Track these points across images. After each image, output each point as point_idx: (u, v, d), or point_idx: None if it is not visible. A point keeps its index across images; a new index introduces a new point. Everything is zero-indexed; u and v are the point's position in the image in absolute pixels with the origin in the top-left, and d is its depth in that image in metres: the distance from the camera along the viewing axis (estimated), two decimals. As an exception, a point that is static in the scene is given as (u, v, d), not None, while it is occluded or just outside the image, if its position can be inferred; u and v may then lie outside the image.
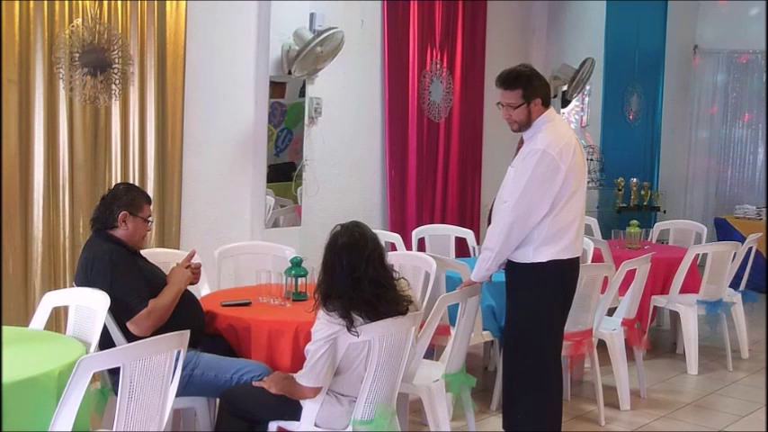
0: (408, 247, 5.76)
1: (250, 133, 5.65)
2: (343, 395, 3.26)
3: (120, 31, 4.77)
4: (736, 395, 5.35)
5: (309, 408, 3.25)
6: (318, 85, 5.99)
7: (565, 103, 8.20)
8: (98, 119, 4.73)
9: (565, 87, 8.05)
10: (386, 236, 5.46)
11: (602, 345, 4.86)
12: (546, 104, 3.86)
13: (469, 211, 7.40)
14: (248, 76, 5.62)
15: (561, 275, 3.87)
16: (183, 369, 3.16)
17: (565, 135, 3.83)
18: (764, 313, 7.09)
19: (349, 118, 6.38)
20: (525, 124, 3.84)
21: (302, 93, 5.84)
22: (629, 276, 4.93)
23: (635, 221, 6.32)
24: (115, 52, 4.76)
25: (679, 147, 10.19)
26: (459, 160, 7.26)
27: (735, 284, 6.11)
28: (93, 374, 2.60)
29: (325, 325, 3.15)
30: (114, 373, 2.78)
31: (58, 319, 4.23)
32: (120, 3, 4.75)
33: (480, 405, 4.58)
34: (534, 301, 3.84)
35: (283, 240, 5.23)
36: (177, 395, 2.97)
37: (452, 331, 4.02)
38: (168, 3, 4.99)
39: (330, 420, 3.24)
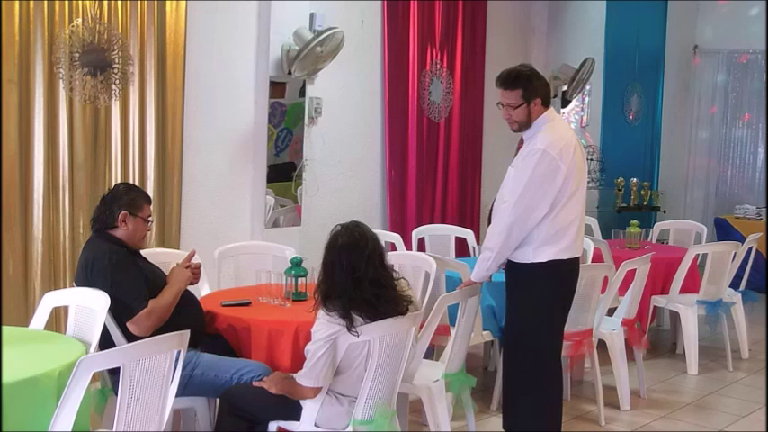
0: (408, 247, 5.76)
1: (250, 133, 5.65)
2: (343, 395, 3.26)
3: (120, 31, 4.77)
4: (736, 395, 5.35)
5: (309, 408, 3.25)
6: (318, 85, 5.99)
7: (565, 103, 8.19)
8: (98, 119, 4.73)
9: (565, 87, 8.04)
10: (386, 236, 5.46)
11: (602, 345, 4.86)
12: (546, 104, 3.86)
13: (469, 211, 7.41)
14: (248, 76, 5.63)
15: (561, 275, 3.87)
16: (183, 369, 3.16)
17: (565, 135, 3.83)
18: (764, 313, 7.10)
19: (349, 118, 6.38)
20: (525, 124, 3.84)
21: (302, 93, 5.84)
22: (629, 276, 4.93)
23: (635, 221, 6.32)
24: (115, 52, 4.76)
25: (679, 147, 10.19)
26: (460, 160, 7.26)
27: (735, 284, 6.11)
28: (93, 374, 2.60)
29: (325, 325, 3.15)
30: (114, 373, 2.78)
31: (58, 319, 4.24)
32: (120, 3, 4.75)
33: (480, 405, 4.58)
34: (534, 301, 3.84)
35: (283, 240, 5.23)
36: (177, 395, 2.97)
37: (452, 331, 4.01)
38: (168, 3, 4.99)
39: (330, 420, 3.24)
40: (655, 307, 5.98)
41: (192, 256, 3.82)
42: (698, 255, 5.89)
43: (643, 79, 9.47)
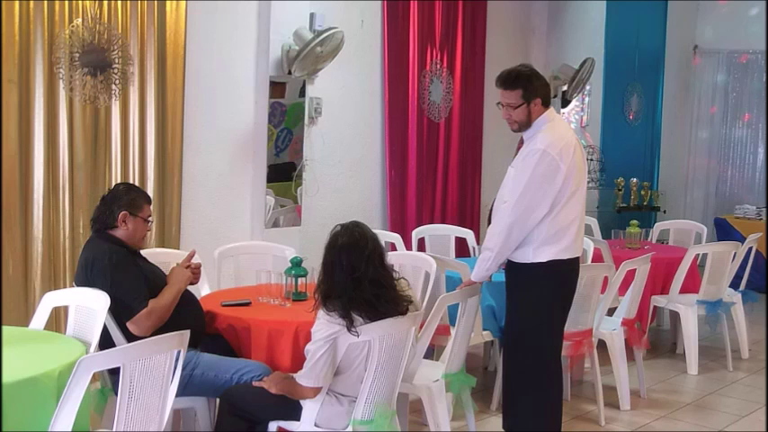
0: (408, 247, 5.76)
1: (250, 133, 5.65)
2: (343, 395, 3.26)
3: (120, 31, 4.77)
4: (736, 395, 5.35)
5: (309, 408, 3.25)
6: (318, 85, 5.99)
7: (565, 103, 8.19)
8: (98, 119, 4.73)
9: (565, 87, 8.04)
10: (386, 236, 5.46)
11: (602, 345, 4.86)
12: (546, 104, 3.86)
13: (469, 211, 7.41)
14: (248, 76, 5.63)
15: (561, 275, 3.87)
16: (183, 369, 3.16)
17: (565, 135, 3.83)
18: (764, 313, 7.10)
19: (349, 118, 6.38)
20: (525, 124, 3.84)
21: (302, 93, 5.84)
22: (629, 276, 4.93)
23: (635, 221, 6.32)
24: (115, 52, 4.76)
25: (679, 147, 10.19)
26: (460, 160, 7.26)
27: (735, 284, 6.11)
28: (93, 374, 2.60)
29: (325, 325, 3.15)
30: (114, 373, 2.78)
31: (58, 319, 4.24)
32: (120, 3, 4.75)
33: (480, 405, 4.58)
34: (534, 301, 3.84)
35: (283, 240, 5.23)
36: (177, 395, 2.97)
37: (452, 331, 4.01)
38: (168, 3, 4.99)
39: (330, 420, 3.24)
40: (655, 307, 5.98)
41: (191, 256, 3.82)
42: (698, 255, 5.89)
43: (643, 79, 9.46)
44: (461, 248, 6.14)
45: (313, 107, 5.97)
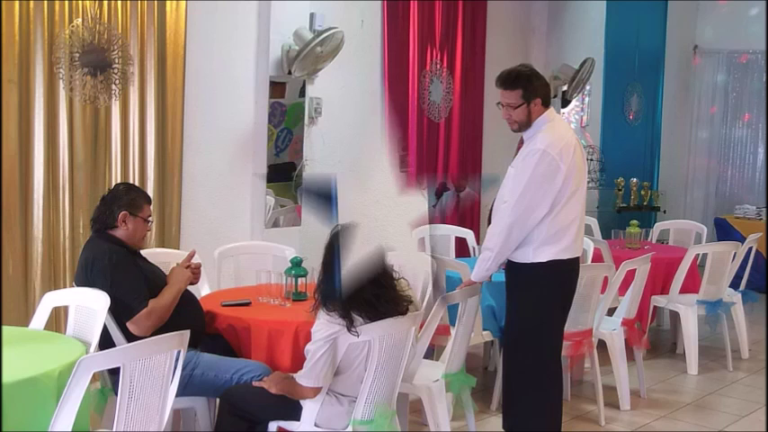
0: (408, 247, 5.75)
1: (250, 133, 5.65)
2: (343, 395, 3.26)
3: (120, 31, 4.77)
4: (736, 395, 5.35)
5: (309, 408, 3.25)
6: (318, 85, 5.99)
7: (565, 103, 8.19)
8: (98, 119, 4.73)
9: (565, 87, 8.04)
10: (386, 236, 5.45)
11: (602, 345, 4.86)
12: (546, 104, 3.86)
13: (469, 211, 7.41)
14: (248, 76, 5.63)
15: (561, 275, 3.87)
16: (183, 369, 3.16)
17: (565, 135, 3.83)
18: (764, 313, 7.10)
19: (349, 118, 6.38)
20: (525, 124, 3.84)
21: (302, 93, 5.84)
22: (629, 276, 4.93)
23: (635, 221, 6.32)
24: (115, 52, 4.76)
25: (679, 147, 10.19)
26: (460, 160, 7.26)
27: (735, 284, 6.10)
28: (93, 374, 2.60)
29: (325, 325, 3.15)
30: (114, 373, 2.78)
31: (58, 319, 4.23)
32: (120, 3, 4.75)
33: (480, 405, 4.58)
34: (534, 301, 3.84)
35: (283, 240, 5.23)
36: (177, 395, 2.97)
37: (452, 331, 4.01)
38: (168, 3, 4.99)
39: (330, 420, 3.24)
40: (655, 307, 5.97)
41: (191, 256, 3.82)
42: (698, 255, 5.89)
43: (643, 79, 9.46)
44: (461, 248, 6.14)
45: (313, 107, 5.97)
